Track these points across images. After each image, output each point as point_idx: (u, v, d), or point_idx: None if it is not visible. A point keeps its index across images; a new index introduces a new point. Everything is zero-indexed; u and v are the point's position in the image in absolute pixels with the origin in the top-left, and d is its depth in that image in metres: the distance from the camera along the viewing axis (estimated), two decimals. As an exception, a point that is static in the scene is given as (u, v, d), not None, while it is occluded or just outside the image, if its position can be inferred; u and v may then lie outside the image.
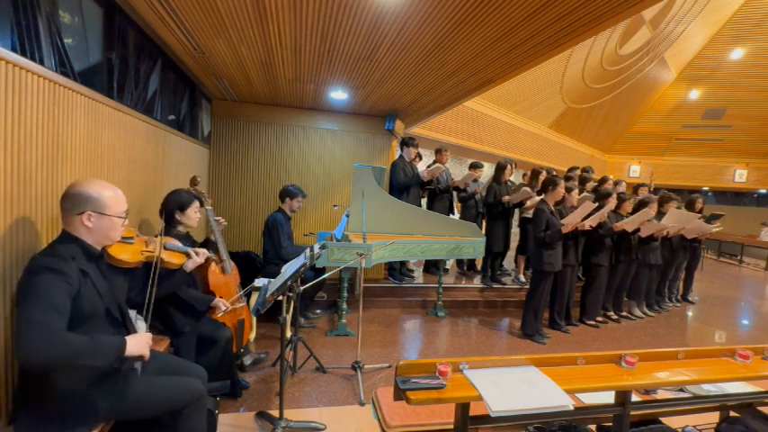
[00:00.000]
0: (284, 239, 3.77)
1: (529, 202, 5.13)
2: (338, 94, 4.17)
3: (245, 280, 3.06)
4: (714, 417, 2.19)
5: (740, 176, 14.16)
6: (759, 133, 13.25)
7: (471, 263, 6.18)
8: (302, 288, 2.62)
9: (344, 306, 3.93)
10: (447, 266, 6.13)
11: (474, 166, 5.54)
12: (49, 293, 1.29)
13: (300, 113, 5.01)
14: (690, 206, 5.77)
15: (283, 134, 5.04)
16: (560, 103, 10.77)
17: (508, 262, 6.20)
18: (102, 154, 2.17)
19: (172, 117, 3.37)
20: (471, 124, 8.89)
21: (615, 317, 4.99)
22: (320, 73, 3.48)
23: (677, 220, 5.00)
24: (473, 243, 4.42)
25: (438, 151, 5.51)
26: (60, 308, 1.30)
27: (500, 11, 2.16)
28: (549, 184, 4.08)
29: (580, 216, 4.01)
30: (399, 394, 1.43)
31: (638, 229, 4.60)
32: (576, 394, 1.88)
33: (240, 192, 4.99)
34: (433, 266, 5.69)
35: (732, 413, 2.18)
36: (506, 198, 5.14)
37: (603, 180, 5.94)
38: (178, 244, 2.13)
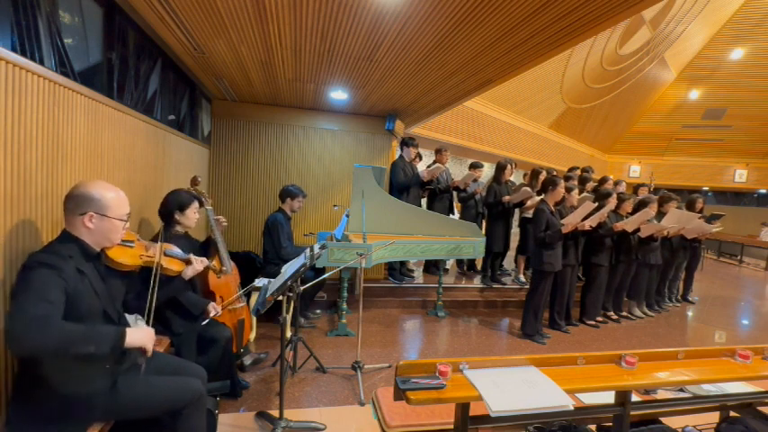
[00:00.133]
0: (284, 239, 3.77)
1: (529, 202, 5.13)
2: (338, 94, 4.17)
3: (245, 280, 3.06)
4: (714, 417, 2.19)
5: (740, 176, 14.17)
6: (759, 133, 13.25)
7: (471, 263, 6.18)
8: (302, 288, 2.62)
9: (344, 306, 3.94)
10: (447, 266, 6.13)
11: (474, 166, 5.54)
12: (43, 287, 1.29)
13: (300, 113, 5.02)
14: (690, 206, 5.77)
15: (283, 134, 5.04)
16: (560, 103, 10.76)
17: (508, 262, 6.20)
18: (102, 154, 2.17)
19: (172, 117, 3.37)
20: (471, 124, 8.89)
21: (615, 317, 4.99)
22: (320, 73, 3.48)
23: (677, 221, 5.00)
24: (473, 243, 4.42)
25: (438, 151, 5.51)
26: (54, 300, 1.29)
27: (500, 11, 2.16)
28: (549, 184, 4.08)
29: (580, 216, 4.02)
30: (399, 394, 1.44)
31: (638, 229, 4.60)
32: (576, 394, 1.88)
33: (240, 192, 4.99)
34: (433, 266, 5.69)
35: (732, 413, 2.18)
36: (506, 198, 5.14)
37: (603, 180, 5.94)
38: (178, 251, 2.13)
